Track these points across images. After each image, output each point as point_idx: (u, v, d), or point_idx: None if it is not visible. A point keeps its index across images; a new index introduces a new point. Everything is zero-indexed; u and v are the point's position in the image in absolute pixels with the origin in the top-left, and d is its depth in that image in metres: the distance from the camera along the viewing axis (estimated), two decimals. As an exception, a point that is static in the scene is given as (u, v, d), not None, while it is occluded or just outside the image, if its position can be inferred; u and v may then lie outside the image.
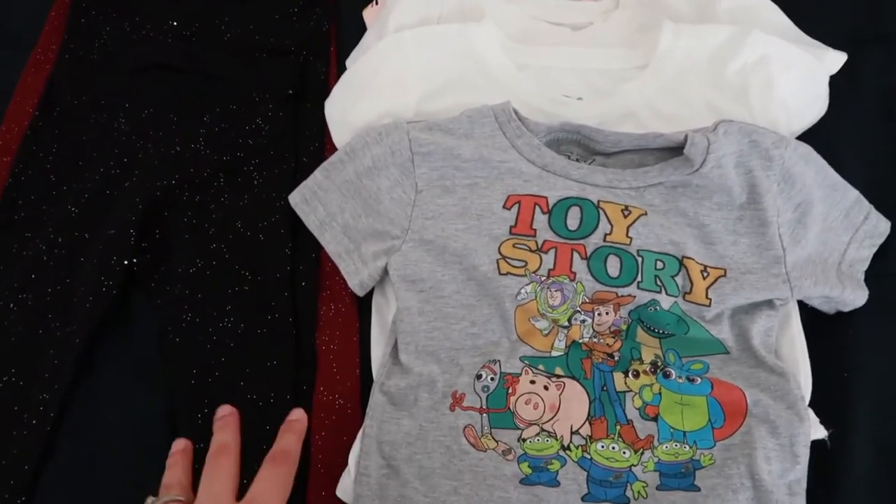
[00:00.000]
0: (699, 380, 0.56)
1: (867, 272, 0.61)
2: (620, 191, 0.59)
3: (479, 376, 0.56)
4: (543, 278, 0.57)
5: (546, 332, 0.56)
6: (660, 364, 0.56)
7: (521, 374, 0.55)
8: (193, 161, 0.66)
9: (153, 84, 0.70)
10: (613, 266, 0.57)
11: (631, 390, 0.55)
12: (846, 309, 0.60)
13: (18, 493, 0.56)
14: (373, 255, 0.60)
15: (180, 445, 0.53)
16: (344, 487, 0.55)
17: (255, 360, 0.60)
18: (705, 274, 0.57)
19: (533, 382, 0.55)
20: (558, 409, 0.54)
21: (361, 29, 0.72)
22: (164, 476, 0.52)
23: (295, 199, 0.63)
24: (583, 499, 0.52)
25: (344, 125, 0.66)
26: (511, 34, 0.67)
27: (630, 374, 0.55)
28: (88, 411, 0.60)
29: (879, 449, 0.57)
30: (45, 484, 0.57)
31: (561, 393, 0.55)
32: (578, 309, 0.57)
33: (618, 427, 0.54)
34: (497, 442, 0.54)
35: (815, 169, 0.60)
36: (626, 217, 0.59)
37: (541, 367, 0.56)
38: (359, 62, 0.67)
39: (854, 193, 0.62)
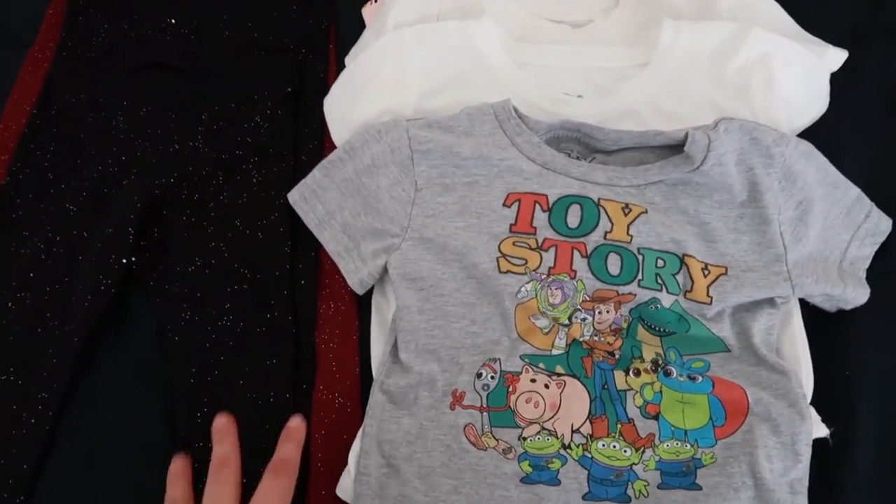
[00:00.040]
0: (700, 378, 0.55)
1: (868, 270, 0.61)
2: (621, 188, 0.59)
3: (479, 375, 0.55)
4: (544, 276, 0.57)
5: (546, 330, 0.56)
6: (661, 362, 0.56)
7: (521, 373, 0.55)
8: (192, 159, 0.66)
9: (151, 82, 0.70)
10: (614, 264, 0.57)
11: (632, 389, 0.55)
12: (848, 307, 0.60)
13: (17, 492, 0.56)
14: (372, 253, 0.60)
15: (179, 463, 0.53)
16: (344, 486, 0.55)
17: (254, 359, 0.60)
18: (706, 272, 0.57)
19: (533, 381, 0.55)
20: (559, 407, 0.54)
21: (360, 27, 0.72)
22: (167, 493, 0.52)
23: (294, 197, 0.63)
24: (584, 497, 0.52)
25: (343, 123, 0.65)
26: (511, 31, 0.67)
27: (631, 373, 0.55)
28: (87, 410, 0.59)
29: (881, 447, 0.57)
30: (45, 483, 0.57)
31: (561, 391, 0.55)
32: (579, 307, 0.56)
33: (619, 425, 0.54)
34: (497, 441, 0.54)
35: (816, 166, 0.60)
36: (626, 215, 0.58)
37: (541, 365, 0.55)
38: (358, 60, 0.67)
39: (855, 191, 0.61)
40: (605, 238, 0.58)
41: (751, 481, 0.52)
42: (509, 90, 0.63)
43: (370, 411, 0.56)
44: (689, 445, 0.54)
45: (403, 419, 0.55)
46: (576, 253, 0.57)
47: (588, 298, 0.57)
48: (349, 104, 0.65)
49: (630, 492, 0.53)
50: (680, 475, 0.53)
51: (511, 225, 0.58)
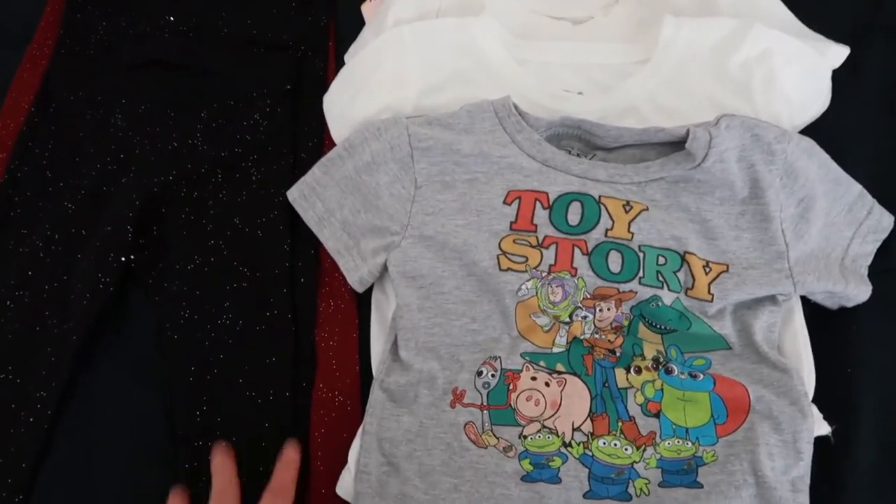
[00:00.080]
0: (701, 376, 0.55)
1: (871, 267, 0.61)
2: (622, 186, 0.59)
3: (479, 373, 0.55)
4: (544, 274, 0.57)
5: (547, 328, 0.56)
6: (662, 360, 0.55)
7: (521, 371, 0.55)
8: (191, 157, 0.66)
9: (150, 80, 0.69)
10: (615, 262, 0.57)
11: (633, 386, 0.55)
12: (849, 304, 0.60)
13: (16, 490, 0.56)
14: (372, 251, 0.59)
15: (178, 496, 0.53)
16: (344, 485, 0.55)
17: (253, 358, 0.59)
18: (707, 269, 0.57)
19: (534, 379, 0.55)
20: (559, 405, 0.54)
21: (360, 24, 0.72)
22: None
23: (293, 195, 0.63)
24: (584, 496, 0.52)
25: (342, 121, 0.65)
26: (511, 28, 0.67)
27: (632, 371, 0.55)
28: (86, 409, 0.59)
29: (883, 445, 0.56)
30: (43, 482, 0.57)
31: (562, 389, 0.54)
32: (580, 305, 0.56)
33: (619, 424, 0.54)
34: (498, 439, 0.54)
35: (817, 163, 0.60)
36: (627, 212, 0.58)
37: (542, 363, 0.55)
38: (357, 57, 0.66)
39: (857, 188, 0.61)
40: (605, 235, 0.57)
41: (752, 479, 0.52)
42: (509, 87, 0.63)
43: (370, 409, 0.56)
44: (690, 443, 0.53)
45: (403, 417, 0.55)
46: (576, 250, 0.57)
47: (589, 296, 0.56)
48: (349, 102, 0.65)
49: (631, 490, 0.52)
50: (681, 473, 0.53)
51: (511, 222, 0.58)
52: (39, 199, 0.65)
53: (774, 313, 0.57)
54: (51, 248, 0.63)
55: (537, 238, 0.58)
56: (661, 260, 0.57)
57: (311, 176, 0.63)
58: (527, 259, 0.57)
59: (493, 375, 0.55)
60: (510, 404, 0.54)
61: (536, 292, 0.56)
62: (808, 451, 0.53)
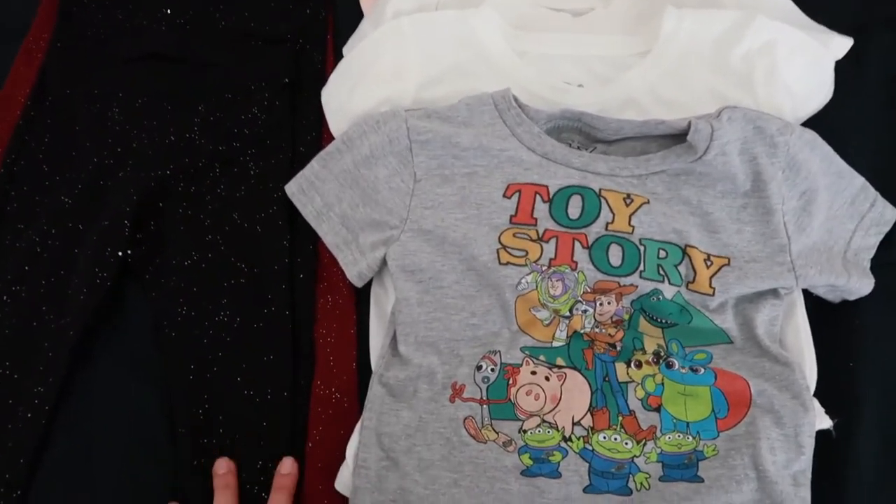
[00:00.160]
0: (702, 370, 0.55)
1: (873, 260, 0.60)
2: (622, 179, 0.59)
3: (479, 367, 0.55)
4: (544, 268, 0.56)
5: (547, 322, 0.56)
6: (662, 354, 0.55)
7: (521, 365, 0.55)
8: (188, 151, 0.66)
9: (147, 73, 0.69)
10: (615, 255, 0.56)
11: (633, 381, 0.54)
12: (852, 297, 0.60)
13: (14, 486, 0.56)
14: (371, 245, 0.59)
15: None
16: (342, 480, 0.55)
17: (252, 355, 0.59)
18: (709, 263, 0.57)
19: (534, 373, 0.54)
20: (559, 399, 0.54)
21: (358, 16, 0.71)
22: None
23: (292, 189, 0.63)
24: (585, 490, 0.52)
25: (341, 114, 0.65)
26: (510, 20, 0.66)
27: (632, 365, 0.55)
28: (83, 404, 0.59)
29: (886, 438, 0.56)
30: (41, 477, 0.57)
31: (562, 384, 0.54)
32: (580, 299, 0.56)
33: (620, 418, 0.53)
34: (497, 433, 0.53)
35: (820, 156, 0.60)
36: (628, 205, 0.58)
37: (542, 357, 0.55)
38: (356, 50, 0.66)
39: (860, 180, 0.61)
40: (606, 229, 0.57)
41: (753, 473, 0.52)
42: (509, 79, 0.63)
43: (369, 404, 0.55)
44: (690, 437, 0.53)
45: (403, 412, 0.55)
46: (577, 244, 0.57)
47: (589, 290, 0.56)
48: (347, 95, 0.65)
49: (631, 484, 0.52)
50: (682, 467, 0.52)
51: (511, 216, 0.58)
52: (36, 193, 0.65)
53: (776, 307, 0.57)
54: (47, 242, 0.62)
55: (537, 232, 0.57)
56: (662, 253, 0.57)
57: (310, 170, 0.62)
58: (527, 253, 0.57)
59: (492, 370, 0.55)
60: (510, 399, 0.54)
61: (536, 286, 0.56)
62: (809, 444, 0.53)
